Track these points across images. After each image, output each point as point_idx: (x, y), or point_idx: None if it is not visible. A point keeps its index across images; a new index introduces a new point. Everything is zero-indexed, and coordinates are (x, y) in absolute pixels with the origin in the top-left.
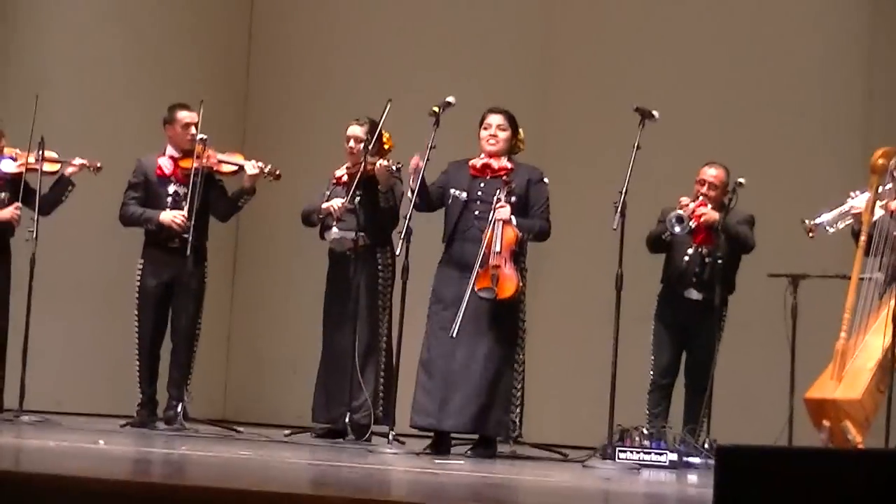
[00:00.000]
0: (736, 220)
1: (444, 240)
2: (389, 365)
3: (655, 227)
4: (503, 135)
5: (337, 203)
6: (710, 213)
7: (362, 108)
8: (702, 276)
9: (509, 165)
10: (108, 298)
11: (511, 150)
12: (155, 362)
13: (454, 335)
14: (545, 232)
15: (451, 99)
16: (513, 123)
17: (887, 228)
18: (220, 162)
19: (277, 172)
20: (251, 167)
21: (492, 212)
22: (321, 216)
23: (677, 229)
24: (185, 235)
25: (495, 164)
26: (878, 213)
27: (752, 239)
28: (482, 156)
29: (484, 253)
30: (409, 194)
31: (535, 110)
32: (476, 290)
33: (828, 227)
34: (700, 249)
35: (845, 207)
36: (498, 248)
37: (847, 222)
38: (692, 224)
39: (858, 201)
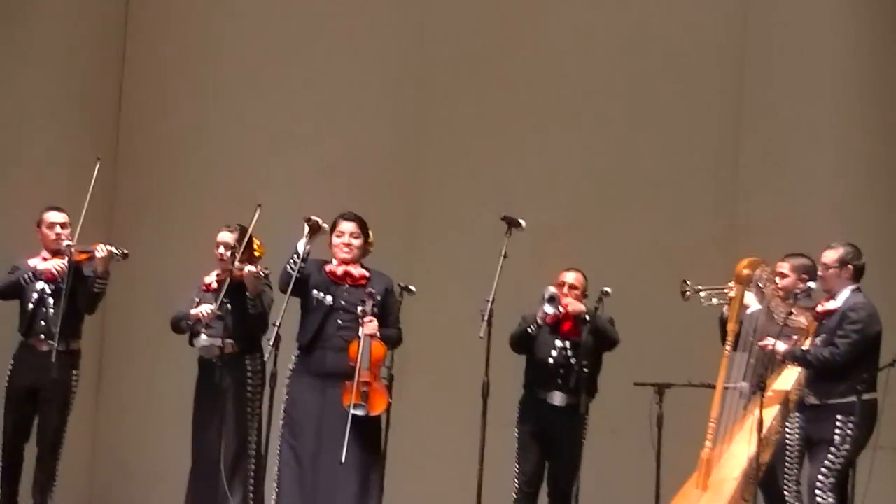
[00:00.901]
0: None
1: (301, 342)
2: (259, 471)
3: (516, 329)
4: (356, 242)
5: (205, 310)
6: (576, 303)
7: (231, 214)
8: (567, 378)
9: (367, 274)
10: None
11: (363, 254)
12: (17, 464)
13: (343, 461)
14: (400, 340)
15: (325, 227)
16: (364, 229)
17: (756, 324)
18: (77, 252)
19: (125, 252)
20: (100, 251)
21: (360, 325)
22: (190, 322)
23: (549, 308)
24: (51, 342)
25: (355, 272)
26: (754, 306)
27: (617, 335)
28: (334, 262)
29: (353, 368)
30: (294, 260)
31: (404, 218)
32: (347, 405)
33: (703, 299)
34: (565, 351)
35: (725, 287)
36: (367, 365)
37: (721, 302)
38: (560, 309)
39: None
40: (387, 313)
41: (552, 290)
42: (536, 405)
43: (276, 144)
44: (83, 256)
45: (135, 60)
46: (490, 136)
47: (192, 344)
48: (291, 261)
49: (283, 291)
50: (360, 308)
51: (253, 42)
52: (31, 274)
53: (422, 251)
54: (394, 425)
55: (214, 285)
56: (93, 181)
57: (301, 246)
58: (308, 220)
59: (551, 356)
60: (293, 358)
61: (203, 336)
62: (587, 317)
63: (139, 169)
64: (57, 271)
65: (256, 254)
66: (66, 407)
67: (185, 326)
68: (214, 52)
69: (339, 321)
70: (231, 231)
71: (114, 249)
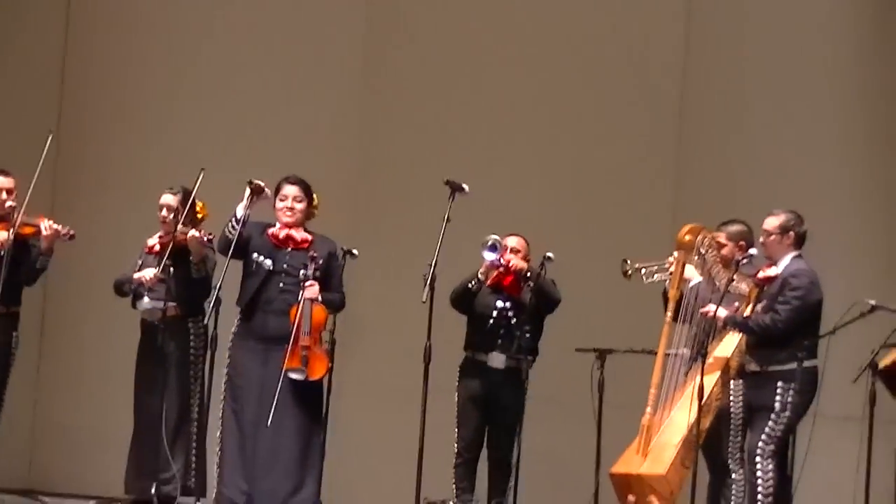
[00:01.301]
0: None
1: (240, 304)
2: (201, 435)
3: (458, 284)
4: (300, 206)
5: (148, 273)
6: (519, 261)
7: (175, 176)
8: (507, 339)
9: (310, 238)
10: None
11: (306, 218)
12: None
13: (268, 424)
14: (343, 305)
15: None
16: (308, 192)
17: (698, 294)
18: (23, 224)
19: (72, 233)
20: (45, 228)
21: (301, 289)
22: (133, 286)
23: (489, 255)
24: None
25: (297, 236)
26: (695, 279)
27: (559, 294)
28: (277, 225)
29: (293, 332)
30: (233, 225)
31: (349, 181)
32: (285, 370)
33: (644, 276)
34: (506, 311)
35: (666, 262)
36: (308, 329)
37: (663, 278)
38: (502, 261)
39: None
40: (329, 276)
41: (494, 236)
42: (476, 368)
43: (220, 107)
44: (29, 230)
45: (78, 27)
46: (436, 99)
47: (134, 306)
48: (230, 224)
49: (224, 254)
50: (301, 272)
51: (196, 3)
52: None
53: (366, 215)
54: (336, 390)
55: (157, 248)
56: (44, 153)
57: (240, 210)
58: (250, 184)
59: (492, 316)
60: (235, 322)
61: (146, 299)
62: (528, 273)
63: (81, 133)
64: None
65: (199, 216)
66: (7, 369)
67: (127, 290)
68: (158, 16)
69: (281, 284)
70: (174, 194)
71: (60, 228)
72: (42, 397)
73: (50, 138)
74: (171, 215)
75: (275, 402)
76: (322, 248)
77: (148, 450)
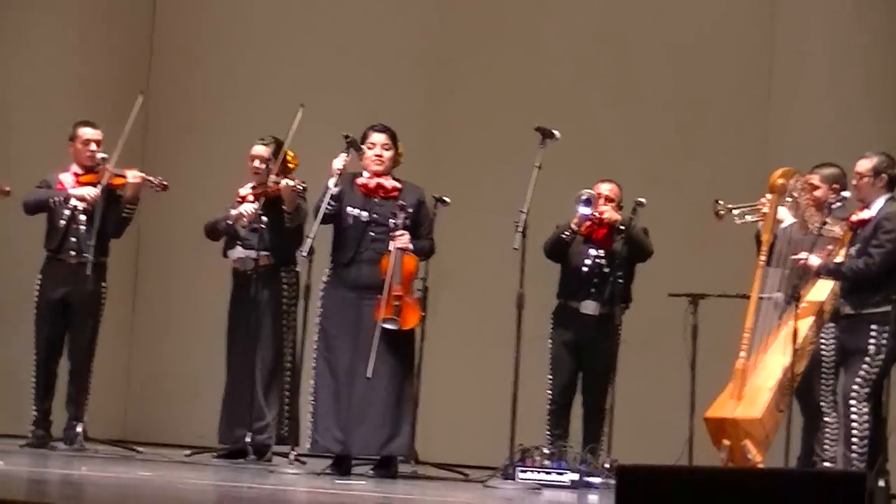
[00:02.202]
0: None
1: (337, 259)
2: (294, 385)
3: (551, 235)
4: (388, 154)
5: (249, 209)
6: (613, 213)
7: (264, 126)
8: (600, 288)
9: (399, 185)
10: (4, 312)
11: (394, 166)
12: (51, 379)
13: (370, 375)
14: (433, 251)
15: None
16: (395, 140)
17: (790, 237)
18: (112, 175)
19: (164, 183)
20: (132, 176)
21: (390, 238)
22: (230, 222)
23: (584, 209)
24: (85, 254)
25: (387, 184)
26: (788, 220)
27: (651, 245)
28: (366, 174)
29: (386, 282)
30: (325, 199)
31: (435, 128)
32: (380, 320)
33: (736, 217)
34: (599, 260)
35: (758, 203)
36: (399, 279)
37: (755, 219)
38: (596, 213)
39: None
40: (419, 224)
41: (589, 191)
42: (570, 315)
43: (303, 59)
44: (118, 181)
45: None
46: (521, 46)
47: (225, 255)
48: (323, 199)
49: (315, 220)
50: (391, 221)
51: None
52: (61, 198)
53: (455, 162)
54: (428, 338)
55: (250, 198)
56: (134, 111)
57: (331, 184)
58: (346, 138)
59: (585, 265)
60: (326, 271)
61: (238, 248)
62: (622, 226)
63: (171, 85)
64: (90, 199)
65: (290, 166)
66: (98, 318)
67: (223, 227)
68: None
69: (372, 234)
70: (265, 144)
71: (150, 178)
72: (136, 348)
73: (140, 99)
74: (264, 165)
75: (373, 353)
76: (411, 195)
77: (241, 399)
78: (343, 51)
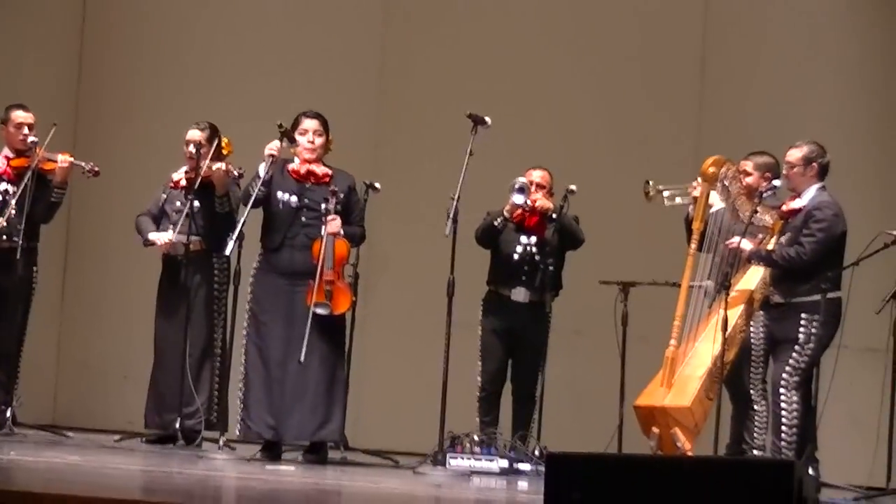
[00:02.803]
0: None
1: (266, 244)
2: (224, 370)
3: (483, 222)
4: (319, 140)
5: (163, 238)
6: (545, 201)
7: (198, 111)
8: (531, 275)
9: (330, 172)
10: None
11: (324, 153)
12: None
13: (302, 360)
14: (363, 238)
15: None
16: (326, 127)
17: (721, 224)
18: (44, 159)
19: (96, 169)
20: (62, 161)
21: (323, 223)
22: (146, 242)
23: (518, 198)
24: (16, 238)
25: (318, 170)
26: (717, 205)
27: (582, 233)
28: (296, 161)
29: (318, 267)
30: (256, 183)
31: (369, 115)
32: (312, 304)
33: (666, 199)
34: (529, 248)
35: (688, 187)
36: (331, 264)
37: (685, 202)
38: (529, 201)
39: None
40: (350, 210)
41: (522, 179)
42: (500, 302)
43: (239, 43)
44: (49, 166)
45: None
46: (456, 32)
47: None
48: (253, 183)
49: (245, 205)
50: (323, 206)
51: None
52: None
53: (388, 149)
54: (360, 324)
55: (183, 182)
56: (47, 140)
57: (262, 169)
58: (280, 127)
59: (516, 252)
60: (257, 257)
61: (169, 232)
62: (554, 214)
63: (103, 68)
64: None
65: (225, 152)
66: (28, 303)
67: (144, 241)
68: None
69: (304, 219)
70: (201, 129)
71: (80, 163)
72: (65, 333)
73: (53, 130)
74: (198, 150)
75: (306, 339)
76: (342, 182)
77: (170, 385)
78: (280, 37)
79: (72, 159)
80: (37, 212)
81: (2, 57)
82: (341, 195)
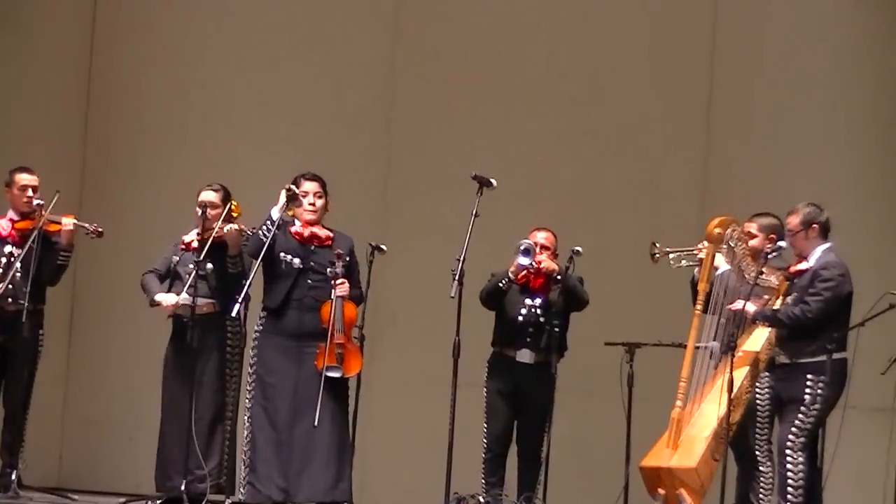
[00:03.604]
0: None
1: (270, 305)
2: (233, 434)
3: (488, 283)
4: (320, 202)
5: (170, 300)
6: (550, 262)
7: (202, 172)
8: (536, 337)
9: (332, 234)
10: None
11: (323, 215)
12: None
13: (317, 424)
14: (363, 299)
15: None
16: (325, 189)
17: (727, 285)
18: (49, 221)
19: (99, 230)
20: (65, 223)
21: (332, 287)
22: (152, 302)
23: (524, 260)
24: (21, 301)
25: (321, 233)
26: (723, 267)
27: (587, 294)
28: (298, 224)
29: (328, 331)
30: (269, 227)
31: (377, 176)
32: (324, 368)
33: (672, 261)
34: (535, 309)
35: (694, 249)
36: (340, 327)
37: (691, 264)
38: (535, 263)
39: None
40: (351, 272)
41: (528, 241)
42: (505, 363)
43: (247, 106)
44: (55, 228)
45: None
46: (464, 94)
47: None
48: (265, 227)
49: (254, 257)
50: (329, 270)
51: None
52: None
53: (394, 210)
54: (365, 384)
55: (195, 244)
56: (51, 205)
57: (275, 212)
58: (288, 190)
59: (521, 314)
60: (259, 320)
61: (184, 294)
62: (559, 276)
63: (109, 132)
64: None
65: (234, 215)
66: (34, 365)
67: (150, 301)
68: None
69: (310, 281)
70: (215, 190)
71: (83, 224)
72: (71, 394)
73: (57, 196)
74: (215, 212)
75: (319, 402)
76: (343, 244)
77: (179, 447)
78: (287, 98)
79: (76, 221)
80: (43, 274)
81: (7, 118)
82: (346, 258)
